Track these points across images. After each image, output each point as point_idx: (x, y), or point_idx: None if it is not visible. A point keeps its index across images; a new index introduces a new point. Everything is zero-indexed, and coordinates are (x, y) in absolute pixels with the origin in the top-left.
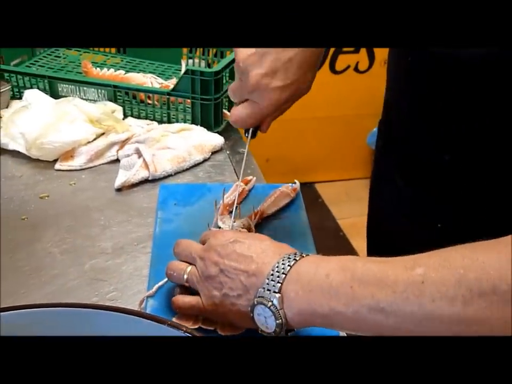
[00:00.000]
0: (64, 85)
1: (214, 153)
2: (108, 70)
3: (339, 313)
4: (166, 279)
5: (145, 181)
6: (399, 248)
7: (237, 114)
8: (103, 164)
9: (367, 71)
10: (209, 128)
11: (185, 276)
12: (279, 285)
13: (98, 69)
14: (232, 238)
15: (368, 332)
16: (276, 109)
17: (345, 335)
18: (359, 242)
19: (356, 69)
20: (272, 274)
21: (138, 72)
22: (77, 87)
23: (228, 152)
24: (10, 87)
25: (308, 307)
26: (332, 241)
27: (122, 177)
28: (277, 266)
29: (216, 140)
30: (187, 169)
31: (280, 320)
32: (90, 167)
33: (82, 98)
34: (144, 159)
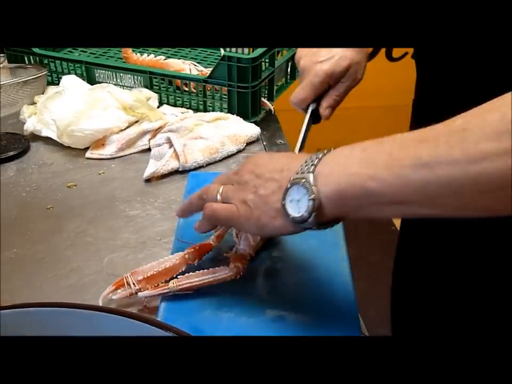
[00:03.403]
0: (101, 71)
1: (249, 144)
2: (148, 55)
3: (380, 180)
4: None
5: (175, 172)
6: (448, 236)
7: (292, 94)
8: (134, 153)
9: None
10: (246, 117)
11: (219, 196)
12: (313, 167)
13: (138, 54)
14: (268, 153)
15: (411, 196)
16: (320, 81)
17: None
18: None
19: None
20: (306, 161)
21: (178, 58)
22: (114, 73)
23: (264, 143)
24: (46, 72)
25: (345, 180)
26: (383, 236)
27: (151, 168)
28: (311, 156)
29: (252, 130)
30: (219, 160)
31: (313, 195)
32: (121, 156)
33: (118, 85)
34: (175, 149)
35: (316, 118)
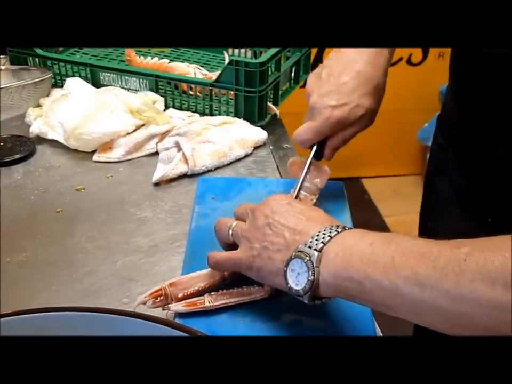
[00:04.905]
0: (106, 74)
1: (256, 148)
2: (152, 58)
3: (374, 281)
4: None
5: (183, 176)
6: None
7: (296, 131)
8: (141, 156)
9: (420, 64)
10: (252, 121)
11: (230, 231)
12: (322, 245)
13: (142, 57)
14: (288, 200)
15: (400, 306)
16: (329, 127)
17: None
18: None
19: (409, 62)
20: (317, 235)
21: (182, 62)
22: (119, 76)
23: (271, 147)
24: (51, 74)
25: (344, 270)
26: None
27: (160, 171)
28: (324, 230)
29: (259, 134)
30: (228, 164)
31: (313, 277)
32: (129, 160)
33: (123, 88)
34: (183, 153)
35: (317, 155)
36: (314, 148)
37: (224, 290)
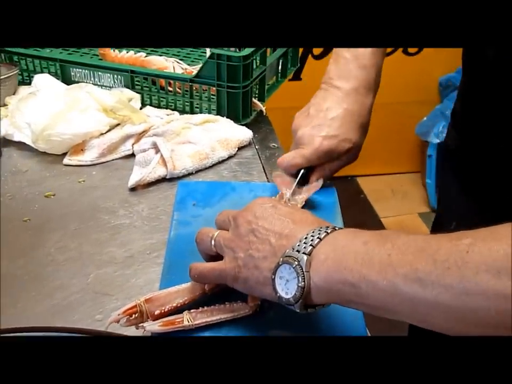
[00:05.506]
0: (77, 70)
1: (240, 148)
2: (127, 52)
3: (371, 282)
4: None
5: (162, 180)
6: None
7: (282, 156)
8: (116, 159)
9: (417, 53)
10: (236, 119)
11: (213, 241)
12: (311, 247)
13: (116, 51)
14: (272, 203)
15: (399, 307)
16: (318, 156)
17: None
18: None
19: (405, 51)
20: (305, 238)
21: (160, 55)
22: (91, 72)
23: (256, 147)
24: (17, 71)
25: (337, 272)
26: None
27: (137, 175)
28: (313, 231)
29: (244, 133)
30: (210, 167)
31: (303, 283)
32: (102, 162)
33: (97, 85)
34: (161, 155)
35: (302, 181)
36: (302, 171)
37: (205, 307)
